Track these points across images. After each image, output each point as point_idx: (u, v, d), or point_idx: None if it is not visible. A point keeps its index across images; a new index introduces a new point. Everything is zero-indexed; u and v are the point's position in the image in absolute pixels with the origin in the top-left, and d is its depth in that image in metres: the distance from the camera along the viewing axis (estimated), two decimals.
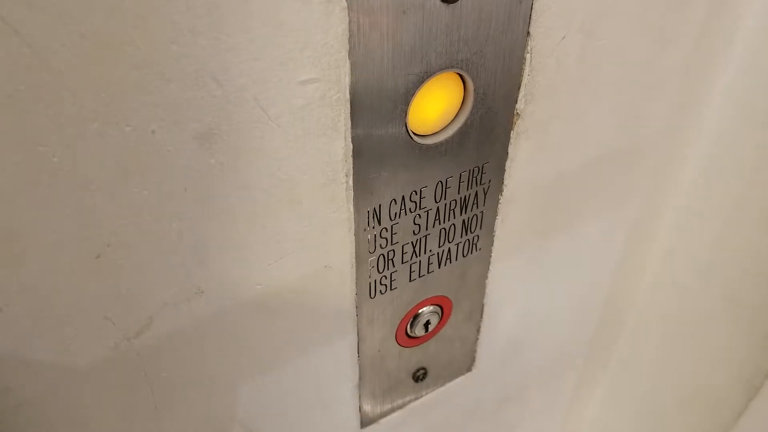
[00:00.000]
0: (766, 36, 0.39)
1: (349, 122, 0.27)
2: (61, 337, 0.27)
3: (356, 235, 0.32)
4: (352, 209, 0.31)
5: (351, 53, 0.25)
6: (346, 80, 0.26)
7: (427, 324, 0.39)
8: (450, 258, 0.37)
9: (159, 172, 0.24)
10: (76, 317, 0.27)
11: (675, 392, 0.56)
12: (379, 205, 0.31)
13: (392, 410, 0.44)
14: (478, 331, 0.44)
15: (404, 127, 0.29)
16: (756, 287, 0.46)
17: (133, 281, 0.27)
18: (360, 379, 0.39)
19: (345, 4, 0.24)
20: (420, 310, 0.38)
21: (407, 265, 0.35)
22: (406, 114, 0.29)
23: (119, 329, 0.28)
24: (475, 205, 0.35)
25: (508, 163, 0.35)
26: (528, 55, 0.30)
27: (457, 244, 0.37)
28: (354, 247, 0.32)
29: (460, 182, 0.34)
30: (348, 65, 0.26)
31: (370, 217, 0.32)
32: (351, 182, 0.30)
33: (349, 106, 0.27)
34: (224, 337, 0.31)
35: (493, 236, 0.38)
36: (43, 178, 0.22)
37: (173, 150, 0.24)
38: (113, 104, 0.22)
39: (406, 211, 0.33)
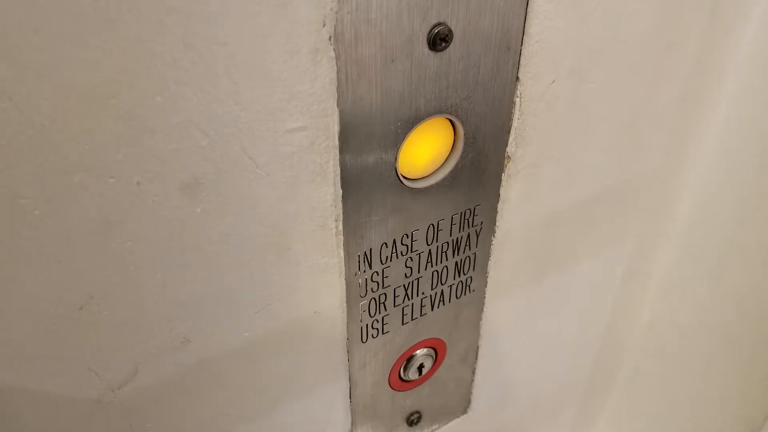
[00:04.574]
0: (758, 74, 0.39)
1: (338, 168, 0.27)
2: (44, 390, 0.26)
3: (347, 279, 0.31)
4: (342, 254, 0.30)
5: (339, 101, 0.25)
6: (335, 128, 0.26)
7: (420, 367, 0.38)
8: (443, 300, 0.37)
9: (143, 222, 0.24)
10: (59, 369, 0.26)
11: None
12: (370, 249, 0.31)
13: None
14: (474, 372, 0.43)
15: (394, 172, 0.29)
16: (754, 326, 0.45)
17: (117, 332, 0.26)
18: (352, 424, 0.38)
19: (333, 54, 0.24)
20: (413, 354, 0.38)
21: (399, 309, 0.35)
22: (396, 159, 0.29)
23: (103, 380, 0.27)
24: (467, 247, 0.35)
25: (500, 205, 0.34)
26: (517, 100, 0.30)
27: (450, 286, 0.36)
28: (344, 292, 0.32)
29: (452, 225, 0.33)
30: (336, 113, 0.25)
31: (360, 261, 0.31)
32: (341, 227, 0.29)
33: (337, 153, 0.27)
34: (211, 386, 0.30)
35: (487, 277, 0.38)
36: (24, 231, 0.22)
37: (158, 200, 0.24)
38: (96, 156, 0.22)
39: (397, 255, 0.32)
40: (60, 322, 0.25)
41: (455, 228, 0.34)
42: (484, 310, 0.39)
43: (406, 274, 0.34)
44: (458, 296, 0.37)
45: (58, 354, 0.26)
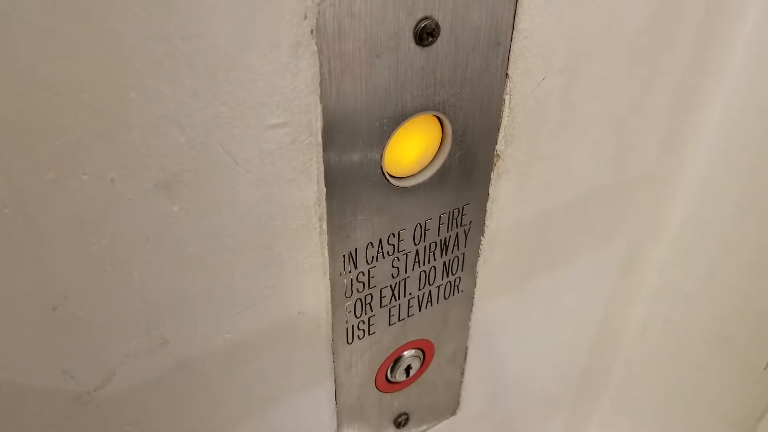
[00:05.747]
0: (753, 74, 0.38)
1: (322, 166, 0.27)
2: (17, 394, 0.25)
3: (332, 279, 0.31)
4: (326, 254, 0.30)
5: (323, 97, 0.25)
6: (318, 124, 0.25)
7: (408, 368, 0.38)
8: (431, 301, 0.36)
9: (119, 221, 0.23)
10: (33, 372, 0.25)
11: None
12: (355, 249, 0.30)
13: None
14: (462, 373, 0.42)
15: (380, 170, 0.28)
16: (748, 326, 0.45)
17: (92, 333, 0.25)
18: (338, 426, 0.38)
19: (315, 48, 0.23)
20: (401, 355, 0.37)
21: (386, 309, 0.34)
22: (381, 157, 0.28)
23: (79, 383, 0.27)
24: (456, 247, 0.34)
25: (489, 204, 0.34)
26: (507, 97, 0.30)
27: (438, 287, 0.36)
28: (329, 292, 0.31)
29: (439, 224, 0.33)
30: (319, 109, 0.25)
31: (345, 261, 0.31)
32: (325, 226, 0.29)
33: (321, 150, 0.26)
34: (192, 388, 0.30)
35: (476, 277, 0.37)
36: None
37: (134, 198, 0.23)
38: (69, 153, 0.21)
39: (383, 255, 0.32)
40: (32, 324, 0.24)
41: (443, 227, 0.33)
42: (473, 310, 0.39)
43: (392, 275, 0.33)
44: (446, 297, 0.36)
45: (32, 355, 0.25)
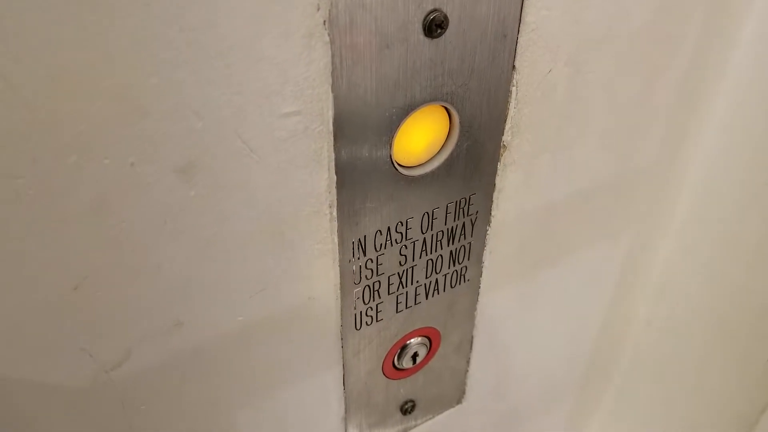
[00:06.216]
0: (757, 69, 0.39)
1: (333, 154, 0.27)
2: (37, 370, 0.26)
3: (341, 266, 0.31)
4: (336, 240, 0.30)
5: (334, 87, 0.25)
6: (330, 113, 0.26)
7: (414, 356, 0.39)
8: (438, 289, 0.37)
9: (138, 204, 0.24)
10: (52, 349, 0.26)
11: (670, 428, 0.55)
12: (364, 236, 0.31)
13: None
14: (468, 362, 0.43)
15: (389, 159, 0.29)
16: (750, 322, 0.45)
17: (110, 313, 0.26)
18: (346, 411, 0.39)
19: (327, 39, 0.24)
20: (407, 342, 0.38)
21: (394, 296, 0.35)
22: (390, 146, 0.29)
23: (96, 361, 0.27)
24: (462, 236, 0.35)
25: (495, 195, 0.34)
26: (514, 88, 0.30)
27: (445, 275, 0.36)
28: (338, 279, 0.32)
29: (447, 213, 0.33)
30: (331, 98, 0.26)
31: (355, 248, 0.31)
32: (335, 213, 0.29)
33: (332, 139, 0.27)
34: (204, 369, 0.31)
35: (482, 267, 0.38)
36: (18, 210, 0.22)
37: (153, 182, 0.24)
38: (91, 137, 0.22)
39: (392, 242, 0.33)
40: (55, 302, 0.25)
41: (450, 217, 0.34)
42: (479, 300, 0.39)
43: (400, 262, 0.34)
44: (453, 285, 0.37)
45: (52, 333, 0.26)
